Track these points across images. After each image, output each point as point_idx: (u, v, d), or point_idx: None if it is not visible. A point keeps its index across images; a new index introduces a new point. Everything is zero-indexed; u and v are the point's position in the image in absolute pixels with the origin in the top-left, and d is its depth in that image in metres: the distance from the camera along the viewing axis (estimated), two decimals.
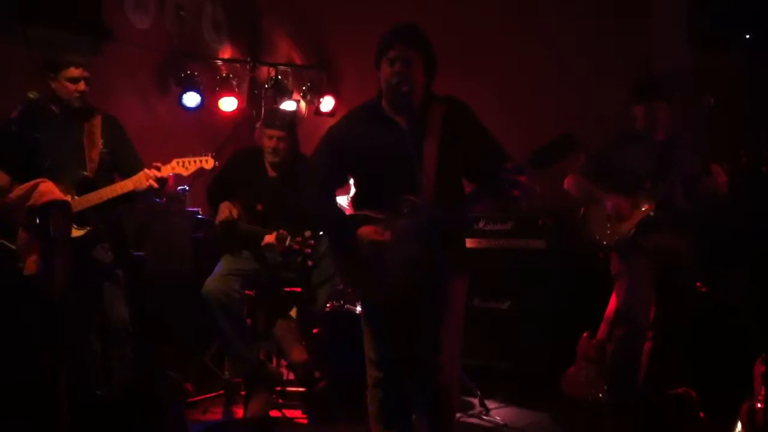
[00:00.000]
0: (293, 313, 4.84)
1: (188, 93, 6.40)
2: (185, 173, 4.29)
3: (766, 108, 5.02)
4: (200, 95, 6.42)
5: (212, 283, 4.75)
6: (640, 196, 4.50)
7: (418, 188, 3.36)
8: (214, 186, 5.07)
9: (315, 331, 4.95)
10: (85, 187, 4.19)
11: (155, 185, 4.18)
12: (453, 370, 3.54)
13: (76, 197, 4.16)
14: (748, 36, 5.23)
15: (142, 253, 4.91)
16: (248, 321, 5.02)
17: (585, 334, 4.97)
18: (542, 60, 6.09)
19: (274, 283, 4.96)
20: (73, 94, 4.22)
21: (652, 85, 4.71)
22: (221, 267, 4.85)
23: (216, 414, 5.09)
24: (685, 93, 4.91)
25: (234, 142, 6.29)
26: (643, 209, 4.49)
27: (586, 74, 5.92)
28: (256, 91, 6.91)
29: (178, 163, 4.27)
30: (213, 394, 5.32)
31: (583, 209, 4.75)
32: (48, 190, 3.89)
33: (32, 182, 3.95)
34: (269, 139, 4.93)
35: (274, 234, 4.71)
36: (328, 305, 4.92)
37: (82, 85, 4.22)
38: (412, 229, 3.38)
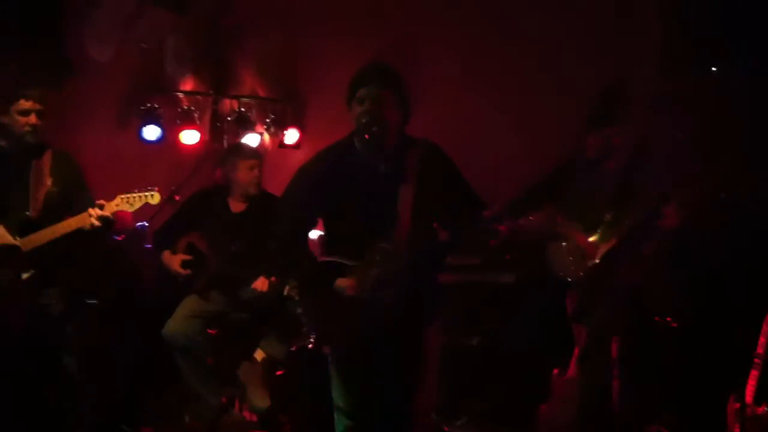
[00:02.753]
0: (258, 355, 4.68)
1: (148, 126, 6.29)
2: (130, 209, 4.14)
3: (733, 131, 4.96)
4: (161, 128, 6.32)
5: (174, 325, 4.60)
6: (603, 230, 4.42)
7: (391, 235, 3.27)
8: (166, 230, 4.95)
9: (279, 373, 4.80)
10: (27, 227, 4.02)
11: (98, 224, 4.01)
12: (425, 419, 3.44)
13: (17, 239, 3.99)
14: (714, 69, 5.21)
15: (94, 301, 4.67)
16: (210, 361, 4.85)
17: (555, 372, 4.88)
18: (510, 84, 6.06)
19: (240, 324, 4.82)
20: (23, 128, 4.04)
21: (604, 110, 4.63)
22: (185, 308, 4.70)
23: None
24: (660, 114, 4.85)
25: (197, 177, 6.15)
26: (606, 244, 4.40)
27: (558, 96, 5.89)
28: (218, 124, 6.76)
29: (122, 199, 4.11)
30: None
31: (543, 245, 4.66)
32: None
33: None
34: (250, 170, 4.88)
35: (265, 281, 4.59)
36: (293, 347, 4.79)
37: (33, 118, 4.04)
38: (385, 278, 3.27)
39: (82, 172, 4.33)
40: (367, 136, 3.32)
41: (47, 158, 4.17)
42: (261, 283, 4.66)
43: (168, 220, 4.97)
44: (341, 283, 3.33)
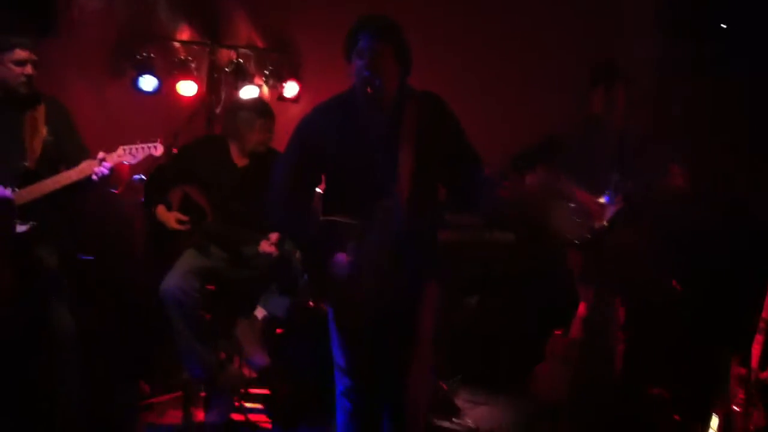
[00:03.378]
0: (258, 313, 4.60)
1: (144, 76, 6.11)
2: (132, 161, 4.02)
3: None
4: (157, 79, 6.14)
5: (171, 280, 4.50)
6: (610, 191, 4.35)
7: (392, 193, 3.18)
8: (160, 177, 4.81)
9: (279, 331, 4.74)
10: (26, 179, 3.91)
11: (99, 175, 3.91)
12: (423, 380, 3.39)
13: (16, 190, 3.89)
14: (724, 26, 5.10)
15: (90, 257, 4.56)
16: (207, 317, 4.78)
17: (557, 332, 4.84)
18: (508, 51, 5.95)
19: (239, 281, 4.73)
20: (18, 79, 3.91)
21: (609, 67, 4.54)
22: (183, 263, 4.59)
23: (174, 417, 4.83)
24: (653, 81, 4.77)
25: (192, 128, 6.03)
26: (614, 205, 4.33)
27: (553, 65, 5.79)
28: (216, 75, 6.60)
29: (124, 150, 3.99)
30: (171, 395, 5.05)
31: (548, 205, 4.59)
32: None
33: None
34: (267, 131, 4.76)
35: (272, 243, 4.49)
36: (294, 304, 4.71)
37: (28, 69, 3.92)
38: (386, 237, 3.19)
39: (74, 120, 4.20)
40: (369, 90, 3.21)
41: (41, 108, 4.04)
42: (268, 245, 4.55)
43: (160, 172, 4.79)
44: (339, 260, 3.24)
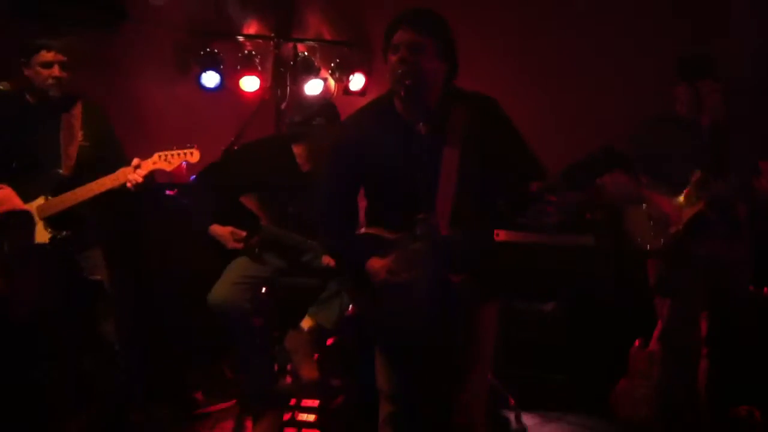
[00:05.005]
0: (305, 323, 4.37)
1: (207, 72, 5.98)
2: (168, 168, 3.87)
3: None
4: (220, 75, 6.00)
5: (220, 292, 4.30)
6: (689, 193, 3.91)
7: (433, 205, 2.87)
8: (211, 184, 4.58)
9: (329, 341, 4.49)
10: (60, 186, 3.79)
11: (134, 182, 3.78)
12: (476, 409, 3.05)
13: (50, 198, 3.77)
14: None
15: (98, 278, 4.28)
16: (258, 323, 4.56)
17: (637, 343, 4.46)
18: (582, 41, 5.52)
19: (290, 288, 4.51)
20: (47, 81, 3.79)
21: (697, 61, 4.07)
22: (232, 272, 4.39)
23: (227, 428, 4.64)
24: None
25: (256, 125, 5.86)
26: (692, 208, 3.89)
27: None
28: (281, 69, 6.40)
29: (159, 157, 3.86)
30: (225, 404, 4.89)
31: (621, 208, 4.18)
32: (6, 198, 3.47)
33: None
34: (328, 136, 4.46)
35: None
36: (349, 309, 4.45)
37: (56, 71, 3.79)
38: (426, 253, 2.87)
39: (112, 125, 4.08)
40: (402, 92, 2.89)
41: (77, 111, 3.93)
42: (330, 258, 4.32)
43: (212, 175, 4.58)
44: (374, 264, 2.96)
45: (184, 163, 5.09)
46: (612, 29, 5.48)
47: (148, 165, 3.82)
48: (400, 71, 2.88)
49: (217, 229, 4.47)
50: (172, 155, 3.86)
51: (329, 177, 3.17)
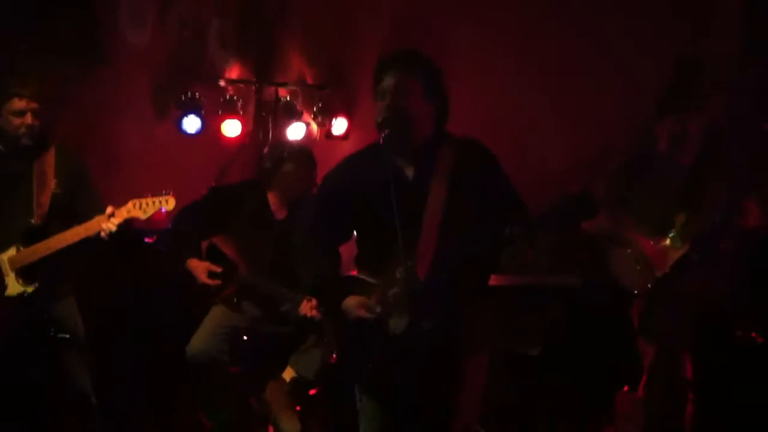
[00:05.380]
0: (286, 374, 4.26)
1: (188, 117, 5.89)
2: (143, 216, 3.78)
3: None
4: (201, 120, 5.91)
5: (197, 343, 4.24)
6: (674, 234, 3.86)
7: (415, 250, 2.81)
8: (185, 223, 4.52)
9: (312, 392, 4.38)
10: (32, 236, 3.70)
11: (106, 232, 3.68)
12: None
13: (22, 249, 3.68)
14: None
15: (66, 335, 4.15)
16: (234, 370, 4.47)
17: (625, 388, 4.37)
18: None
19: (271, 338, 4.41)
20: (19, 130, 3.70)
21: (678, 94, 4.05)
22: (209, 322, 4.33)
23: None
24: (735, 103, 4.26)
25: (238, 170, 5.79)
26: (678, 251, 3.84)
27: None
28: (263, 113, 6.36)
29: (134, 204, 3.76)
30: None
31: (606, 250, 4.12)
32: None
33: None
34: (310, 183, 4.44)
35: (312, 305, 4.16)
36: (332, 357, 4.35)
37: (29, 119, 3.71)
38: (404, 300, 2.79)
39: (88, 170, 3.99)
40: (385, 132, 2.84)
41: (50, 157, 3.83)
42: (310, 308, 4.22)
43: (188, 217, 4.54)
44: (349, 302, 2.90)
45: (163, 209, 5.05)
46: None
47: (122, 213, 3.73)
48: (380, 119, 2.86)
49: (194, 263, 4.40)
50: (147, 203, 3.78)
51: (319, 201, 3.21)
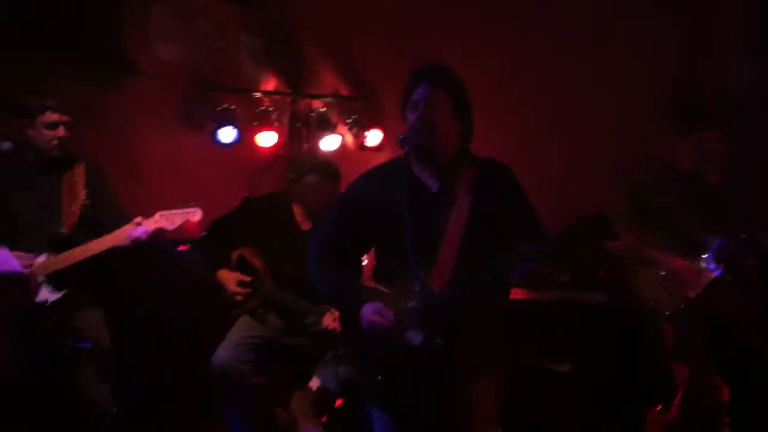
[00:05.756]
0: (312, 384, 4.27)
1: (224, 128, 5.94)
2: (170, 227, 3.83)
3: None
4: (237, 130, 5.97)
5: (223, 353, 4.30)
6: (710, 254, 3.78)
7: (435, 263, 2.82)
8: (218, 235, 4.58)
9: (337, 403, 4.38)
10: (61, 245, 3.77)
11: (133, 239, 3.75)
12: None
13: (50, 257, 3.75)
14: None
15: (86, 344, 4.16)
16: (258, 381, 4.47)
17: (657, 408, 4.29)
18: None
19: (295, 350, 4.43)
20: (51, 142, 3.82)
21: (701, 112, 3.97)
22: (235, 333, 4.37)
23: None
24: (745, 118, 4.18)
25: (273, 181, 5.84)
26: (710, 272, 3.76)
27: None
28: (298, 125, 6.40)
29: (161, 215, 3.83)
30: None
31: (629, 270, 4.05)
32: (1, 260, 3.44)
33: None
34: (333, 195, 4.44)
35: (335, 318, 4.20)
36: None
37: (61, 131, 3.82)
38: (420, 313, 2.79)
39: (114, 187, 4.08)
40: (418, 145, 2.86)
41: (80, 170, 3.94)
42: (332, 320, 4.24)
43: (219, 228, 4.60)
44: (366, 309, 2.89)
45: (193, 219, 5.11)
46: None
47: (150, 224, 3.79)
48: (416, 126, 2.87)
49: (224, 273, 4.45)
50: (174, 215, 3.84)
51: (331, 215, 3.20)
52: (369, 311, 2.88)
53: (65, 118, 3.82)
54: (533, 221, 2.97)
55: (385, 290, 2.94)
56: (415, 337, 2.79)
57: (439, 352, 2.78)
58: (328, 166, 4.67)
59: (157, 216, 3.83)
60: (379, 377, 2.91)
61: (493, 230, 2.91)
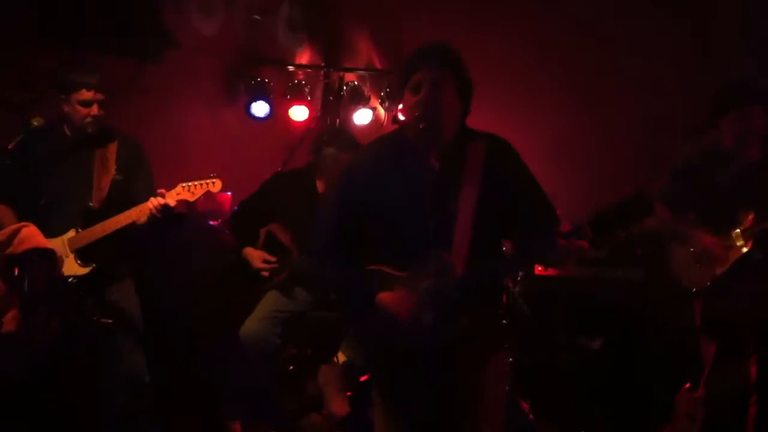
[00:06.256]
0: (339, 357, 4.30)
1: (257, 102, 5.98)
2: (191, 198, 3.84)
3: None
4: (269, 105, 5.99)
5: (250, 326, 4.33)
6: (737, 231, 3.72)
7: (451, 243, 2.76)
8: (247, 212, 4.62)
9: (363, 378, 4.40)
10: (90, 219, 3.82)
11: (158, 215, 3.76)
12: None
13: (80, 231, 3.81)
14: None
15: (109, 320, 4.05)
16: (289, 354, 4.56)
17: (686, 386, 4.24)
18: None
19: (322, 323, 4.47)
20: (85, 119, 3.84)
21: (743, 87, 3.86)
22: (263, 307, 4.40)
23: None
24: None
25: (304, 154, 5.84)
26: (739, 248, 3.69)
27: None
28: (331, 98, 6.38)
29: (183, 187, 3.83)
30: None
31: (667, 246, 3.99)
32: (30, 235, 3.46)
33: (15, 226, 3.52)
34: (340, 165, 4.41)
35: None
36: None
37: (95, 109, 3.84)
38: (439, 293, 2.75)
39: (147, 159, 4.08)
40: (422, 126, 2.80)
41: (113, 146, 3.96)
42: None
43: (248, 205, 4.64)
44: (385, 298, 2.84)
45: (229, 192, 5.13)
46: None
47: (172, 195, 3.81)
48: (421, 108, 2.79)
49: (249, 251, 4.49)
50: (195, 185, 3.85)
51: (332, 201, 3.07)
52: (391, 302, 2.81)
53: (100, 96, 3.84)
54: (544, 200, 2.93)
55: (396, 273, 2.85)
56: (428, 320, 2.75)
57: (457, 331, 2.75)
58: (345, 136, 4.65)
59: (178, 188, 3.85)
60: (385, 366, 2.89)
61: (505, 206, 2.85)
